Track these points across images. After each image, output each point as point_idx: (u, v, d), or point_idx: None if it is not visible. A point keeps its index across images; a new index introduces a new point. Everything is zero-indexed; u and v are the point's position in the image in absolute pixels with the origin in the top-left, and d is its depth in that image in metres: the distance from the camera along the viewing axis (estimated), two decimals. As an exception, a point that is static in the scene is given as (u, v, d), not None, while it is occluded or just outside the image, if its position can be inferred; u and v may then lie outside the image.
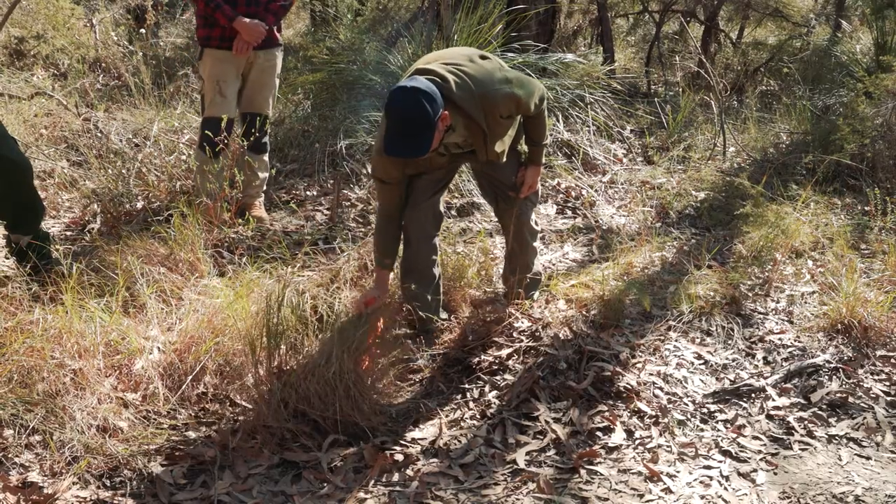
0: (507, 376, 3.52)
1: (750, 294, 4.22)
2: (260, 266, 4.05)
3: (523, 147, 3.83)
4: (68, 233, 4.84)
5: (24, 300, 3.46)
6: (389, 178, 3.65)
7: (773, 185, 5.55)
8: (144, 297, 3.61)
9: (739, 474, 2.98)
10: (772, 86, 8.34)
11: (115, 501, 2.74)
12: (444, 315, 4.00)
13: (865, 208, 5.31)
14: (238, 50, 4.87)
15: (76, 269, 3.63)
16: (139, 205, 5.12)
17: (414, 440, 3.18)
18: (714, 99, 6.99)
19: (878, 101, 6.27)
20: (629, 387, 3.39)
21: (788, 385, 3.50)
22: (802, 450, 3.13)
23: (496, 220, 5.02)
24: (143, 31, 8.24)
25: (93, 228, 4.80)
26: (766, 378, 3.55)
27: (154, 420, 3.12)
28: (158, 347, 3.34)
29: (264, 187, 5.32)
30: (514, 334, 3.74)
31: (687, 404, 3.38)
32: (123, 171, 5.29)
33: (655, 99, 7.66)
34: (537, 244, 4.15)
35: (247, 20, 4.83)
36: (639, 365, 3.55)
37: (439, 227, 4.00)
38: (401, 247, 3.88)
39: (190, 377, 3.25)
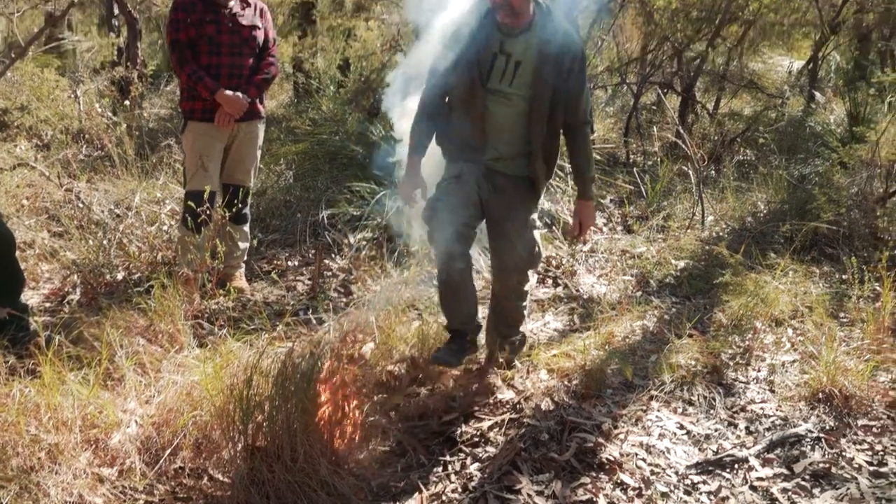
0: (488, 448, 3.50)
1: (731, 363, 4.23)
2: (240, 337, 4.03)
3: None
4: (47, 304, 4.81)
5: (1, 373, 3.42)
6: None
7: (752, 254, 5.60)
8: (123, 369, 3.58)
9: (724, 547, 2.95)
10: (748, 155, 8.47)
11: (88, 581, 2.68)
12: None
13: (843, 277, 5.36)
14: (220, 122, 4.91)
15: (55, 341, 3.60)
16: (120, 276, 5.10)
17: (395, 515, 3.14)
18: (692, 168, 7.08)
19: (853, 170, 6.39)
20: (612, 458, 3.37)
21: (771, 455, 3.48)
22: (787, 521, 3.11)
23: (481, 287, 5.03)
24: (127, 102, 8.30)
25: (72, 299, 4.78)
26: (748, 448, 3.53)
27: (130, 496, 3.07)
28: (136, 421, 3.30)
29: (245, 257, 5.32)
30: (497, 405, 3.72)
31: (670, 475, 3.35)
32: (104, 241, 5.28)
33: (634, 168, 7.75)
34: (526, 305, 4.18)
35: (229, 92, 4.88)
36: (621, 435, 3.54)
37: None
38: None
39: (168, 451, 3.21)
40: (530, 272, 4.07)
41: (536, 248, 3.94)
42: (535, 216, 3.97)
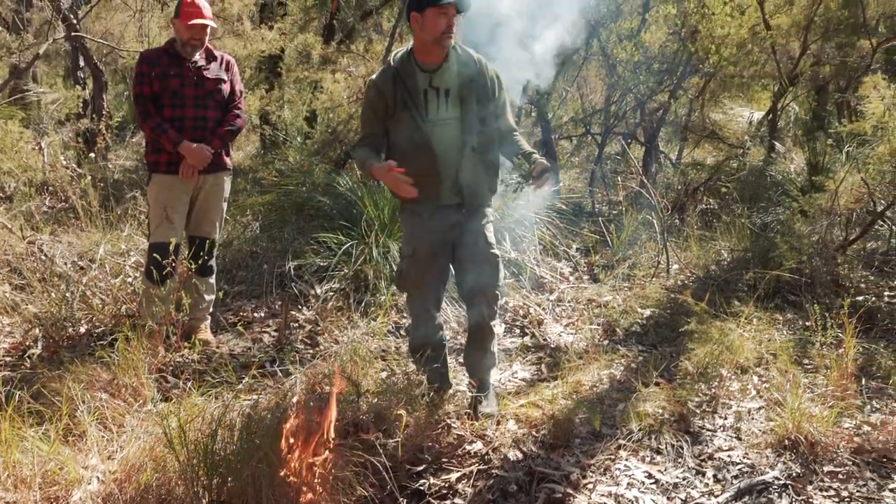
0: (457, 500, 3.47)
1: (698, 411, 4.24)
2: (205, 391, 3.98)
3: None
4: (7, 358, 4.73)
5: (-42, 430, 3.35)
6: (380, 95, 4.01)
7: (716, 302, 5.64)
8: (85, 424, 3.52)
9: None
10: (711, 204, 8.57)
11: None
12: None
13: (806, 324, 5.42)
14: (184, 174, 4.91)
15: (15, 397, 3.53)
16: (82, 329, 5.04)
17: (362, 570, 3.09)
18: (656, 217, 7.15)
19: (813, 219, 6.48)
20: (581, 509, 3.35)
21: (739, 503, 3.48)
22: (756, 570, 3.10)
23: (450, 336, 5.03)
24: (92, 154, 8.26)
25: (33, 354, 4.70)
26: (716, 496, 3.53)
27: (91, 555, 3.00)
28: (98, 477, 3.24)
29: (211, 309, 5.28)
30: (465, 456, 3.70)
31: (639, 525, 3.34)
32: (67, 294, 5.22)
33: (599, 218, 7.82)
34: (495, 351, 4.29)
35: (192, 144, 4.89)
36: (590, 485, 3.52)
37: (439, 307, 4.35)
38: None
39: (130, 509, 3.15)
40: (497, 304, 4.18)
41: (502, 270, 4.23)
42: (491, 237, 4.22)
